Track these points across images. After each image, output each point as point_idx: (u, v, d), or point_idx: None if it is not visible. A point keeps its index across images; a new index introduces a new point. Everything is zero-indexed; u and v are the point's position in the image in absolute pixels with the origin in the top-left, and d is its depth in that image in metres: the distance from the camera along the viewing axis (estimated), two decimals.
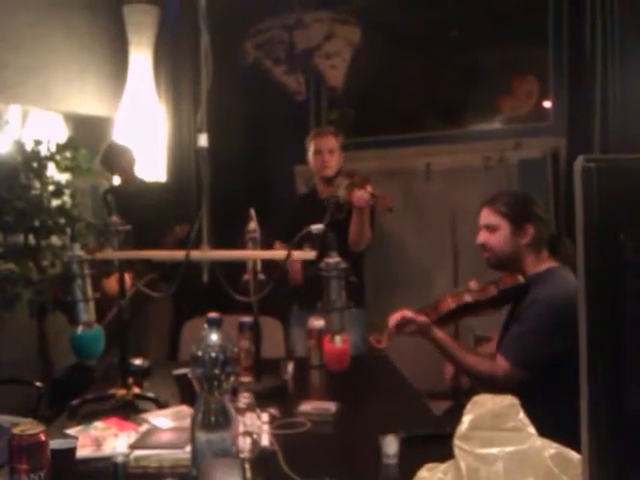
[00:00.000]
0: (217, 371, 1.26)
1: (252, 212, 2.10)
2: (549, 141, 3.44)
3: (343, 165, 3.14)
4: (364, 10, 3.89)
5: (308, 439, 1.72)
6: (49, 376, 3.77)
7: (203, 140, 1.59)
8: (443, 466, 1.07)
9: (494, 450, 0.98)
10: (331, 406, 1.91)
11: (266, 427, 1.72)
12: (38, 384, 2.82)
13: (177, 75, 4.36)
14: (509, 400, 1.06)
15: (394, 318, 2.13)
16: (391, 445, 1.52)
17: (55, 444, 1.34)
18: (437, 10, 3.76)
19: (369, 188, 2.78)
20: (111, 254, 1.83)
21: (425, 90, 3.87)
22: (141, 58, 4.47)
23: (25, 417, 2.28)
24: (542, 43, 3.53)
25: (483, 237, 2.14)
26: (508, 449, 0.97)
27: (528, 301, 2.04)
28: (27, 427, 1.23)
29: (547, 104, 3.67)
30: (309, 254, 1.61)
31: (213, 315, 1.31)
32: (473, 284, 2.20)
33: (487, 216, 2.13)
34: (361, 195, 2.76)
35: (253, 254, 1.91)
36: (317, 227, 1.56)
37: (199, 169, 4.27)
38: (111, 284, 2.15)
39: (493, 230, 2.11)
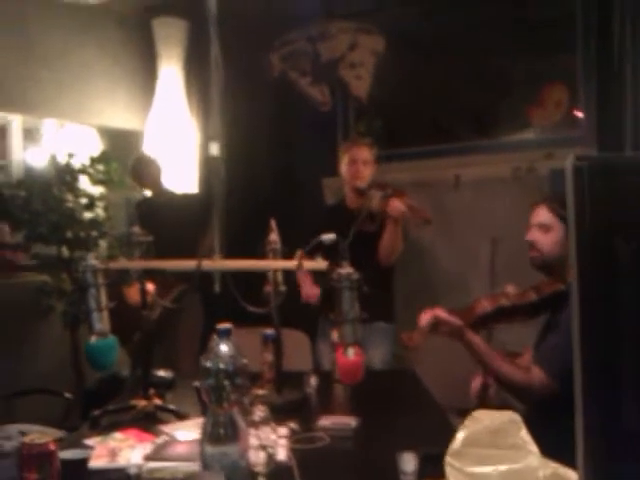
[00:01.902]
0: (226, 382, 1.25)
1: (273, 223, 2.08)
2: (580, 151, 3.36)
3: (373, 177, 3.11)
4: (388, 19, 3.87)
5: (326, 454, 1.68)
6: (81, 387, 3.80)
7: (214, 149, 1.58)
8: None
9: (487, 469, 0.93)
10: (351, 421, 1.88)
11: (284, 441, 1.69)
12: (67, 395, 2.84)
13: (207, 87, 4.40)
14: (509, 416, 1.01)
15: (426, 317, 2.07)
16: (409, 463, 1.48)
17: (67, 454, 1.34)
18: (463, 19, 3.72)
19: (405, 199, 2.75)
20: (124, 264, 1.83)
21: (453, 100, 3.81)
22: (170, 71, 4.53)
23: (54, 427, 2.31)
24: (571, 51, 3.45)
25: (534, 235, 2.05)
26: (502, 468, 0.92)
27: (566, 310, 1.96)
28: (37, 436, 1.23)
29: (578, 114, 3.59)
30: (320, 264, 1.58)
31: (223, 326, 1.30)
32: (511, 288, 2.14)
33: (543, 215, 2.05)
34: (398, 205, 2.73)
35: (263, 264, 1.89)
36: (328, 237, 1.54)
37: (225, 179, 4.30)
38: (132, 294, 2.16)
39: (546, 230, 2.03)
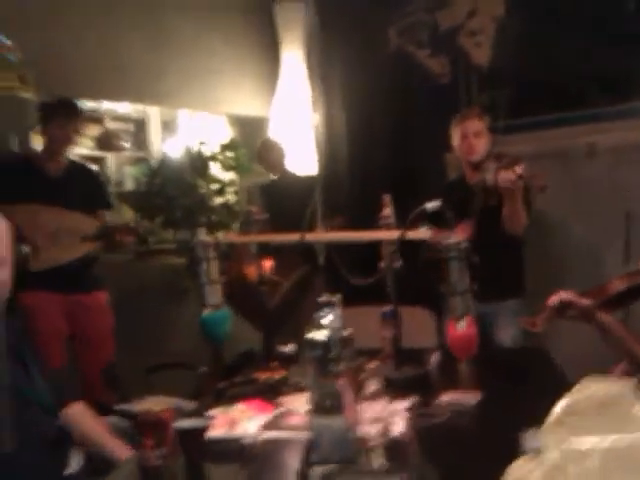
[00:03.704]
0: (330, 354, 1.24)
1: (386, 198, 2.05)
2: None
3: (493, 149, 2.97)
4: None
5: (444, 430, 1.64)
6: (218, 362, 3.97)
7: (315, 120, 1.57)
8: (540, 458, 0.95)
9: (590, 440, 0.83)
10: (472, 398, 1.82)
11: (401, 416, 1.66)
12: (202, 369, 2.97)
13: (328, 69, 4.41)
14: (624, 385, 0.90)
15: (552, 301, 1.97)
16: (532, 441, 1.41)
17: (186, 423, 1.39)
18: None
19: (517, 169, 2.59)
20: (233, 238, 1.88)
21: (584, 64, 3.51)
22: (293, 55, 4.58)
23: (189, 400, 2.43)
24: None
25: None
26: (606, 440, 0.82)
27: None
28: (153, 405, 1.28)
29: None
30: (423, 233, 1.52)
31: (326, 298, 1.29)
32: None
33: None
34: (506, 176, 2.58)
35: (364, 235, 1.86)
36: (432, 205, 1.48)
37: (351, 160, 4.26)
38: (252, 271, 2.22)
39: None
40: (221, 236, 1.88)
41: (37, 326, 2.99)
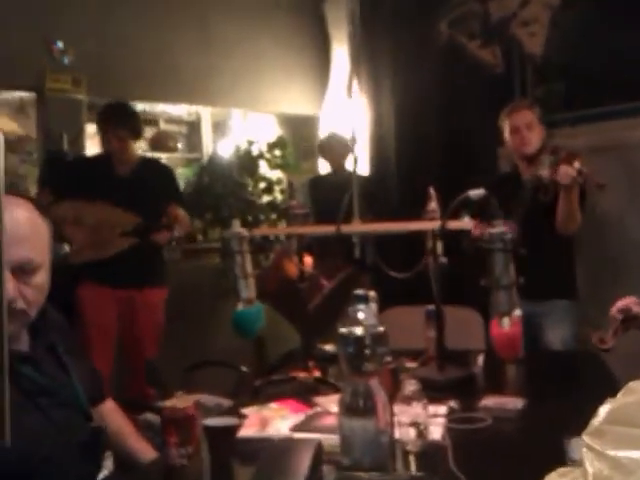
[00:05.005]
0: (364, 351, 1.17)
1: (431, 191, 1.97)
2: None
3: (547, 141, 2.84)
4: None
5: (485, 436, 1.55)
6: (263, 362, 3.94)
7: (355, 105, 1.51)
8: (577, 471, 0.85)
9: (638, 453, 0.73)
10: (517, 403, 1.72)
11: (440, 420, 1.59)
12: (243, 368, 2.94)
13: (376, 66, 4.34)
14: None
15: (618, 313, 1.86)
16: (578, 449, 1.31)
17: (214, 421, 1.34)
18: None
19: (577, 164, 2.47)
20: (267, 230, 1.83)
21: None
22: (343, 53, 4.54)
23: (229, 399, 2.40)
24: None
25: None
26: None
27: None
28: (178, 401, 1.24)
29: None
30: (466, 224, 1.44)
31: (360, 291, 1.22)
32: None
33: None
34: (566, 171, 2.46)
35: (400, 226, 1.78)
36: (476, 193, 1.39)
37: (399, 155, 4.17)
38: (291, 268, 2.17)
39: None
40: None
41: (88, 319, 3.05)
